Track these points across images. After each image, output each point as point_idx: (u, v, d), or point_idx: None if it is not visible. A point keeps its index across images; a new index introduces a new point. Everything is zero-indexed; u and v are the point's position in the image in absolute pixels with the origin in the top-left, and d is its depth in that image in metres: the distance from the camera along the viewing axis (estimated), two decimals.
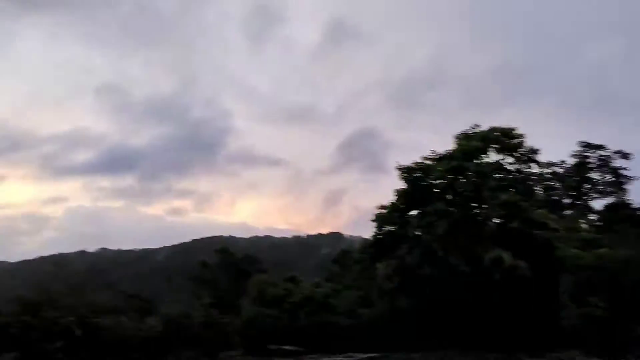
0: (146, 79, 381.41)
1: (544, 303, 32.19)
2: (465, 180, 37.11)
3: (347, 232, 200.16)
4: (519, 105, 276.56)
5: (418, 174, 38.77)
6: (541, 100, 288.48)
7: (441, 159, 38.93)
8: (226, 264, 58.17)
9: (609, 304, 29.43)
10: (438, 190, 38.05)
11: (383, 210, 40.42)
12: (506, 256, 31.88)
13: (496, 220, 36.65)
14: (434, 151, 39.54)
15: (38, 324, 25.54)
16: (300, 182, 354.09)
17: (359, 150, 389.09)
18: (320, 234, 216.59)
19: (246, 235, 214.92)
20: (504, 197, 34.85)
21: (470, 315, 31.54)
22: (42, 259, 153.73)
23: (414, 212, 39.38)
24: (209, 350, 29.31)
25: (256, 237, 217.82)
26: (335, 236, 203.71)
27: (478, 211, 36.90)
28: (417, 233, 37.83)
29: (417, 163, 39.07)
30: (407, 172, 39.02)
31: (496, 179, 37.30)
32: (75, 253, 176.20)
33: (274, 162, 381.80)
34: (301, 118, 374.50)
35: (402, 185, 39.54)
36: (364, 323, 38.23)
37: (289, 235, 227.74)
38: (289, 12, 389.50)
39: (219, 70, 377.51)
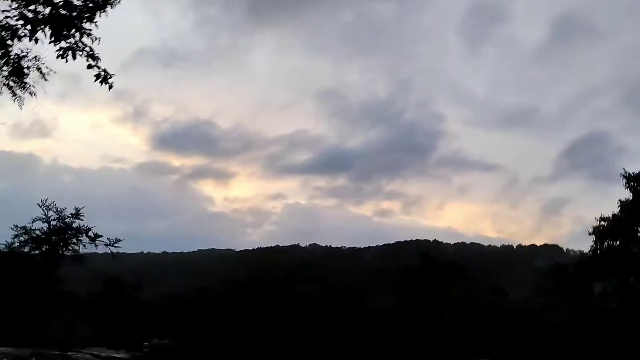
0: (363, 83, 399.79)
1: None
2: None
3: (566, 245, 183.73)
4: None
5: None
6: None
7: None
8: (429, 268, 57.90)
9: None
10: None
11: (603, 223, 36.41)
12: None
13: None
14: None
15: (245, 305, 28.67)
16: (515, 189, 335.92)
17: (586, 157, 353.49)
18: (534, 245, 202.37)
19: (452, 241, 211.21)
20: None
21: None
22: (261, 249, 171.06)
23: None
24: (404, 351, 29.65)
25: (463, 243, 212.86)
26: (552, 248, 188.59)
27: None
28: None
29: None
30: (635, 181, 34.57)
31: None
32: (290, 246, 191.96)
33: (487, 168, 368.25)
34: (519, 121, 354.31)
35: (628, 195, 35.15)
36: (575, 344, 34.93)
37: (498, 244, 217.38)
38: (512, 10, 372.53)
39: (433, 74, 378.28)
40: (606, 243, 36.52)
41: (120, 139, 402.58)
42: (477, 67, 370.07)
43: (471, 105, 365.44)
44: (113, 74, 9.53)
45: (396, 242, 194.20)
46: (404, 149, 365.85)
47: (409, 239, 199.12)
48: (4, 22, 9.02)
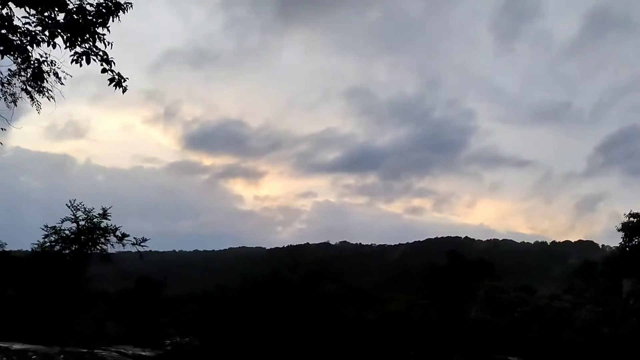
0: (391, 81, 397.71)
1: None
2: None
3: (602, 242, 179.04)
4: None
5: None
6: None
7: None
8: (456, 266, 57.53)
9: None
10: None
11: (633, 219, 35.60)
12: None
13: None
14: None
15: (264, 302, 29.08)
16: (548, 186, 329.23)
17: (621, 152, 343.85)
18: (567, 242, 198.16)
19: (484, 238, 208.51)
20: None
21: None
22: (291, 247, 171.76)
23: None
24: (426, 350, 29.57)
25: (494, 240, 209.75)
26: (587, 245, 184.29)
27: None
28: None
29: None
30: None
31: None
32: (320, 244, 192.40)
33: (519, 164, 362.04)
34: (552, 117, 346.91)
35: None
36: (603, 342, 34.24)
37: (531, 240, 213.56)
38: (543, 5, 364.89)
39: (462, 70, 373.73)
40: (636, 240, 35.73)
41: (152, 139, 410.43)
42: (509, 63, 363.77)
43: (502, 101, 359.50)
44: (127, 78, 9.81)
45: (426, 239, 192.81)
46: (434, 146, 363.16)
47: (439, 236, 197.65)
48: (23, 29, 9.49)
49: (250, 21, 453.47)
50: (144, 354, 24.00)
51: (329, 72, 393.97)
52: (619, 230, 36.05)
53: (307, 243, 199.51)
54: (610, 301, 37.67)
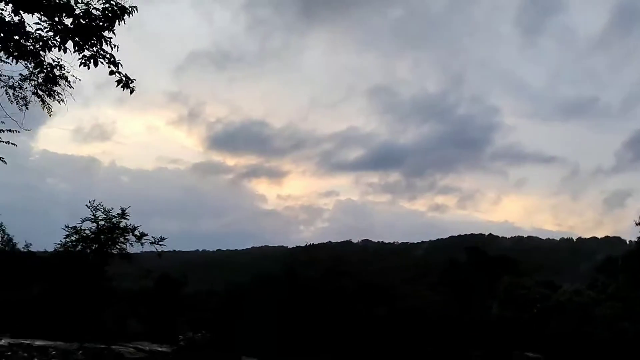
0: (414, 79, 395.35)
1: None
2: None
3: (629, 237, 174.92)
4: None
5: None
6: None
7: None
8: (477, 262, 57.23)
9: None
10: None
11: None
12: None
13: None
14: None
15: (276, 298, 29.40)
16: (575, 182, 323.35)
17: None
18: (594, 238, 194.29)
19: (508, 235, 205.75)
20: None
21: None
22: (312, 246, 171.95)
23: None
24: (444, 345, 29.58)
25: (519, 237, 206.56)
26: (613, 241, 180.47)
27: None
28: None
29: None
30: None
31: None
32: (342, 242, 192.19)
33: (545, 160, 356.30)
34: (578, 112, 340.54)
35: None
36: (624, 338, 33.82)
37: (557, 237, 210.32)
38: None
39: (486, 66, 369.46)
40: None
41: (175, 141, 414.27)
42: (533, 58, 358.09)
43: (527, 97, 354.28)
44: (134, 79, 10.22)
45: (450, 236, 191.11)
46: (458, 143, 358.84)
47: (463, 234, 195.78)
48: (36, 35, 9.94)
49: (273, 22, 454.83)
50: (160, 349, 24.48)
51: (352, 71, 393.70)
52: (637, 225, 35.60)
53: (329, 241, 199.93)
54: (630, 296, 37.14)
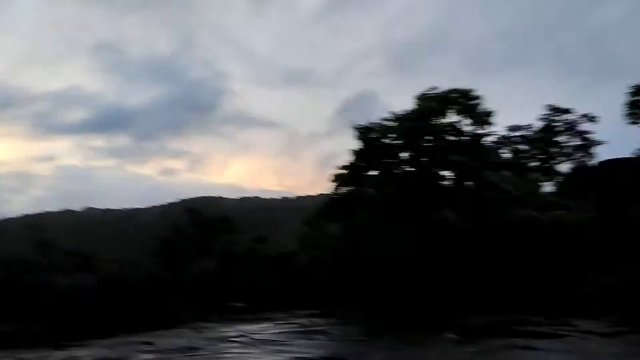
0: (143, 38, 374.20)
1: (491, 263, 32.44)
2: (419, 141, 37.00)
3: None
4: (521, 70, 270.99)
5: (374, 135, 38.51)
6: (544, 65, 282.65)
7: (399, 119, 38.63)
8: (196, 224, 58.44)
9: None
10: (393, 151, 37.95)
11: (343, 171, 40.31)
12: (451, 215, 32.04)
13: (449, 182, 36.78)
14: (392, 112, 39.15)
15: None
16: (294, 145, 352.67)
17: (356, 114, 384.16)
18: (309, 196, 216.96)
19: (236, 196, 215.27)
20: (455, 157, 34.81)
21: (411, 277, 31.80)
22: (27, 217, 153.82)
23: (371, 173, 39.37)
24: (150, 309, 29.51)
25: (246, 198, 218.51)
26: (325, 198, 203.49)
27: (431, 172, 36.88)
28: (370, 193, 37.93)
29: (373, 123, 38.81)
30: (364, 132, 38.73)
31: (450, 139, 37.16)
32: (61, 212, 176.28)
33: (269, 124, 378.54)
34: (299, 81, 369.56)
35: (358, 145, 39.30)
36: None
37: (279, 196, 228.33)
38: None
39: (217, 31, 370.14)
40: (344, 189, 40.63)
41: None
42: (261, 26, 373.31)
43: (255, 63, 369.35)
44: None
45: (181, 200, 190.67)
46: (188, 106, 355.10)
47: (194, 197, 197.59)
48: None
49: None
50: None
51: (73, 24, 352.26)
52: (331, 181, 40.60)
53: (46, 211, 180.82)
54: (318, 245, 42.60)
